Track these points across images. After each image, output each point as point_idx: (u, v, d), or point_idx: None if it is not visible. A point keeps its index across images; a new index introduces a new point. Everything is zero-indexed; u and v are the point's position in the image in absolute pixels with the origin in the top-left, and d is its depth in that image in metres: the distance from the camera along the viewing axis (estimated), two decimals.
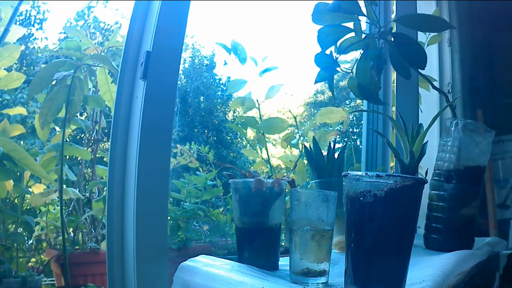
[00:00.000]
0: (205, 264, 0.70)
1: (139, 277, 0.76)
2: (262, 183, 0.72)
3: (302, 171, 1.30)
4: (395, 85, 1.46)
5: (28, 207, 1.36)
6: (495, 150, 1.72)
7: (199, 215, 1.20)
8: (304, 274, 0.66)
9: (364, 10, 1.07)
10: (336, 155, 0.99)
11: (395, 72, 1.32)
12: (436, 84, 1.47)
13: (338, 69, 1.11)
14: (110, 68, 1.15)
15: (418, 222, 1.46)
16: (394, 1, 1.53)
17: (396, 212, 0.55)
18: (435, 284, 0.60)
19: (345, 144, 1.02)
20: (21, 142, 1.39)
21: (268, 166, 1.37)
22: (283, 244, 1.13)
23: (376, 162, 1.46)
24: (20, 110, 1.28)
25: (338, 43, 1.10)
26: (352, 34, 1.09)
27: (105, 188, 1.13)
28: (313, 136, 1.18)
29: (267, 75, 1.36)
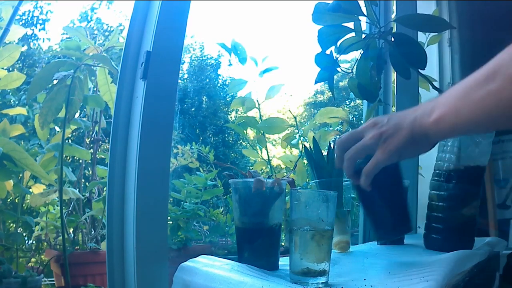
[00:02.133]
0: (205, 264, 0.70)
1: (139, 277, 0.76)
2: (262, 183, 0.72)
3: (302, 171, 1.30)
4: (395, 85, 1.46)
5: (28, 207, 1.36)
6: (495, 150, 1.72)
7: (199, 215, 1.20)
8: (304, 274, 0.66)
9: (364, 10, 1.07)
10: None
11: (395, 72, 1.31)
12: (436, 84, 1.47)
13: (338, 69, 1.11)
14: (110, 68, 1.15)
15: (418, 222, 1.47)
16: (394, 1, 1.53)
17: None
18: (435, 283, 0.60)
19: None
20: (21, 142, 1.39)
21: (268, 166, 1.37)
22: (283, 244, 1.13)
23: None
24: (20, 110, 1.29)
25: (338, 43, 1.10)
26: (352, 34, 1.09)
27: (105, 188, 1.12)
28: (313, 136, 1.18)
29: (267, 75, 1.36)
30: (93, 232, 1.26)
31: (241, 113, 1.48)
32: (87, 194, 1.32)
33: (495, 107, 0.53)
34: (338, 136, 1.26)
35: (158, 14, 0.82)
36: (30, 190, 1.22)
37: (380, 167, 0.67)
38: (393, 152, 0.65)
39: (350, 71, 1.12)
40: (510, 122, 0.56)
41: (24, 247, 1.31)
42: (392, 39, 1.06)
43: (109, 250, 0.80)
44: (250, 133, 1.56)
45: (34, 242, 1.34)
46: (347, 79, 1.14)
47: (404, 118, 0.65)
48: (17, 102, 1.62)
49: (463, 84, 0.58)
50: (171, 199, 1.21)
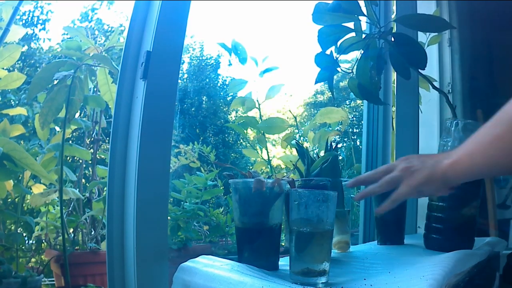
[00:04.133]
0: (205, 264, 0.70)
1: (139, 278, 0.76)
2: (262, 183, 0.72)
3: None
4: (395, 85, 1.46)
5: (28, 207, 1.37)
6: None
7: (199, 215, 1.20)
8: (304, 274, 0.66)
9: (364, 10, 1.07)
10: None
11: (395, 72, 1.31)
12: (436, 84, 1.47)
13: (338, 69, 1.10)
14: (111, 68, 1.15)
15: (418, 222, 1.46)
16: (394, 1, 1.53)
17: None
18: (435, 281, 0.60)
19: (336, 144, 1.02)
20: (22, 142, 1.39)
21: (268, 166, 1.37)
22: (283, 244, 1.13)
23: (376, 162, 1.46)
24: (20, 110, 1.29)
25: (339, 43, 1.10)
26: (353, 34, 1.09)
27: (105, 188, 1.12)
28: (295, 142, 1.16)
29: (267, 75, 1.36)
30: (93, 232, 1.26)
31: (241, 113, 1.48)
32: (87, 194, 1.32)
33: (500, 151, 0.59)
34: (337, 137, 1.26)
35: (158, 14, 0.82)
36: (30, 190, 1.22)
37: (401, 199, 0.74)
38: (414, 187, 0.72)
39: (350, 71, 1.12)
40: None
41: (24, 247, 1.31)
42: (392, 39, 1.06)
43: (109, 250, 0.80)
44: (250, 133, 1.56)
45: (34, 242, 1.34)
46: (347, 79, 1.13)
47: (430, 158, 0.72)
48: (17, 102, 1.62)
49: (479, 131, 0.63)
50: (171, 199, 1.21)
